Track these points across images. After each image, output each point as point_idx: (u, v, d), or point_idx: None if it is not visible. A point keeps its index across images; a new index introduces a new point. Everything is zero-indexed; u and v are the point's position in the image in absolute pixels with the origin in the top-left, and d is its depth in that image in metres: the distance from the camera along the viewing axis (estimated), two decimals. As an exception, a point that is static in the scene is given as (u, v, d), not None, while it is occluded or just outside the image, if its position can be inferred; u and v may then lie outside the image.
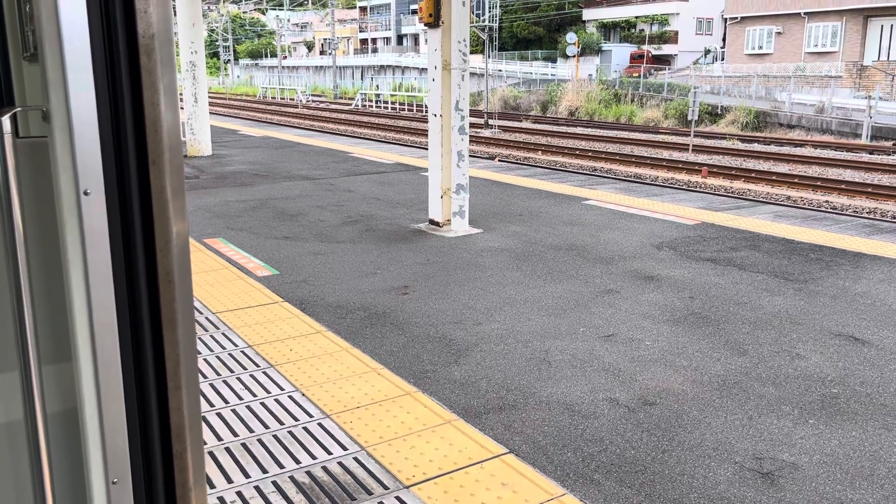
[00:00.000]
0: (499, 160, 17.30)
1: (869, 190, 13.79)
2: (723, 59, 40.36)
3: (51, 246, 1.25)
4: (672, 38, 46.10)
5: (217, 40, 71.66)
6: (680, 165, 17.01)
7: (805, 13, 35.27)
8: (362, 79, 55.17)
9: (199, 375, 3.73)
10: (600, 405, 3.47)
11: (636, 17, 48.21)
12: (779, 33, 36.85)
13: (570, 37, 39.08)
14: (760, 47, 37.79)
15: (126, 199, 1.16)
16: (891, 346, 4.19)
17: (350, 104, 41.52)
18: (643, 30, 47.68)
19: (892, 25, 32.69)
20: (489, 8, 36.36)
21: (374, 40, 71.35)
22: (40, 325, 1.25)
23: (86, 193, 1.11)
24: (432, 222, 7.25)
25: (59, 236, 1.15)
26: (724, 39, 42.37)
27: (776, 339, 4.31)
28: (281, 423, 3.26)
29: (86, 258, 1.12)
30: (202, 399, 3.47)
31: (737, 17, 38.64)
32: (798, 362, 3.97)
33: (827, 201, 13.19)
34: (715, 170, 16.20)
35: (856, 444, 3.12)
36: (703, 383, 3.71)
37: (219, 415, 3.32)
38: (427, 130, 7.30)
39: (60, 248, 1.16)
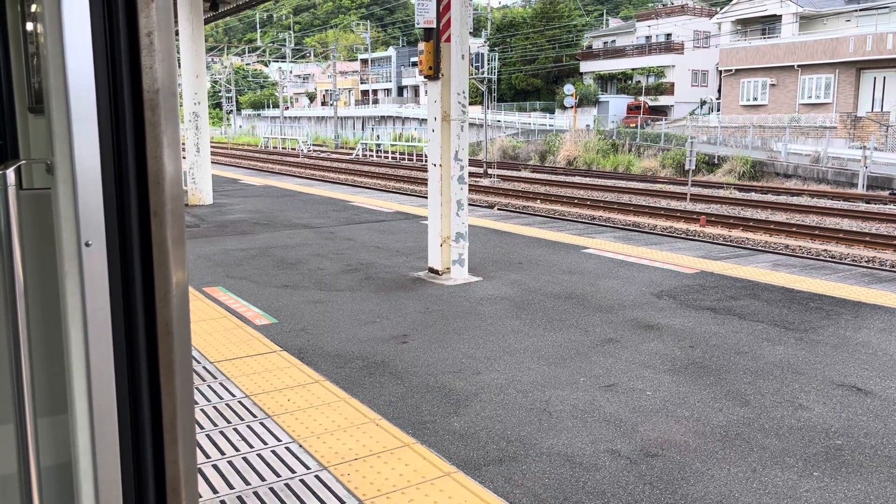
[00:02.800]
0: (498, 209, 17.41)
1: (867, 239, 13.84)
2: (718, 110, 40.99)
3: (51, 297, 1.25)
4: (668, 89, 46.90)
5: (220, 91, 72.84)
6: (678, 214, 17.11)
7: (798, 66, 35.96)
8: (363, 129, 55.90)
9: (196, 426, 3.69)
10: (602, 457, 3.42)
11: (632, 70, 49.11)
12: (773, 85, 37.51)
13: (568, 88, 39.73)
14: (755, 98, 38.42)
15: (127, 250, 1.17)
16: (894, 397, 4.15)
17: (351, 154, 41.98)
18: (639, 81, 48.52)
19: (884, 78, 33.29)
20: (488, 61, 37.08)
21: (375, 91, 72.50)
22: (37, 376, 1.25)
23: (87, 245, 1.11)
24: (432, 270, 7.25)
25: (59, 287, 1.16)
26: (719, 90, 43.09)
27: (778, 389, 4.27)
28: (278, 475, 3.21)
29: (85, 309, 1.12)
30: (199, 450, 3.42)
31: (731, 70, 39.38)
32: (801, 413, 3.93)
33: (825, 250, 13.23)
34: (713, 218, 16.29)
35: (861, 498, 3.07)
36: (706, 434, 3.67)
37: (215, 466, 3.27)
38: (427, 179, 7.36)
39: (60, 299, 1.16)
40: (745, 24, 42.52)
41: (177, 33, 13.57)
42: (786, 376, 4.47)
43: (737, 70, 39.09)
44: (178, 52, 12.99)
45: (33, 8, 1.33)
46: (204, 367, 4.57)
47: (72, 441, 1.19)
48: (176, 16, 12.81)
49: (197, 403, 4.00)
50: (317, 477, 3.18)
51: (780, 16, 39.76)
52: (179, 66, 13.04)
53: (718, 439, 3.61)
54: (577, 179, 26.94)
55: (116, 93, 1.13)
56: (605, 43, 55.14)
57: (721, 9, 46.99)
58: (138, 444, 1.21)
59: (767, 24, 41.12)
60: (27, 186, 1.38)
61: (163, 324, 1.19)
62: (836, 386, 4.32)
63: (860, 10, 36.41)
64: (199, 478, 3.16)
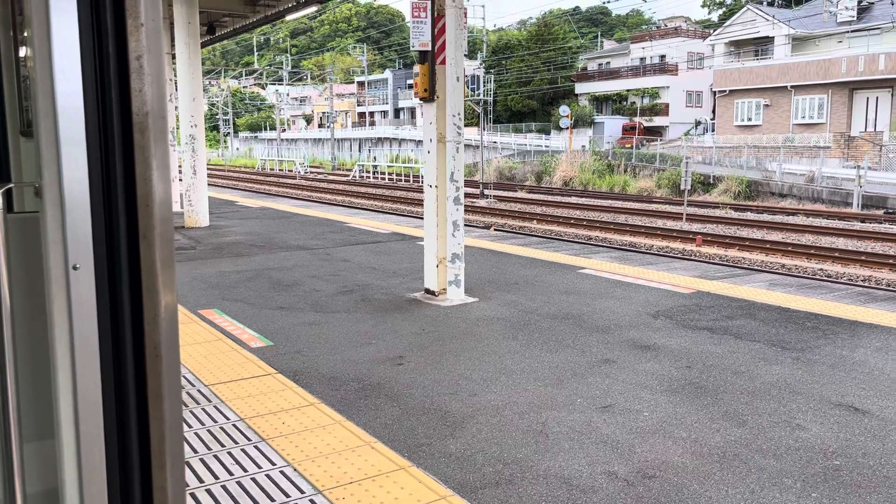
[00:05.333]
0: (494, 229, 17.43)
1: (863, 258, 13.86)
2: (713, 130, 41.23)
3: (38, 320, 1.24)
4: (663, 110, 47.19)
5: (217, 114, 73.18)
6: (674, 234, 17.14)
7: (791, 86, 36.24)
8: (360, 150, 56.13)
9: (190, 450, 3.66)
10: (599, 479, 3.40)
11: (627, 91, 49.45)
12: (767, 105, 37.77)
13: (564, 109, 40.00)
14: (749, 119, 38.67)
15: (115, 272, 1.16)
16: (891, 417, 4.13)
17: (348, 175, 42.09)
18: (634, 102, 48.85)
19: (877, 98, 33.55)
20: (484, 83, 37.33)
21: (371, 113, 72.89)
22: (23, 401, 1.23)
23: (75, 268, 1.11)
24: (428, 291, 7.24)
25: (46, 311, 1.15)
26: (713, 111, 43.38)
27: (775, 409, 4.25)
28: (272, 499, 3.17)
29: (72, 332, 1.11)
30: (192, 474, 3.39)
31: (725, 91, 39.68)
32: (799, 433, 3.91)
33: (821, 269, 13.24)
34: (709, 238, 16.31)
35: (861, 519, 3.04)
36: (703, 455, 3.64)
37: (208, 491, 3.24)
38: (423, 201, 7.38)
39: (47, 323, 1.15)
40: (739, 46, 42.93)
41: (174, 57, 13.66)
42: (783, 396, 4.45)
43: (731, 91, 39.39)
44: (175, 76, 13.06)
45: (26, 33, 1.34)
46: (198, 391, 4.54)
47: (58, 467, 1.17)
48: (173, 39, 12.90)
49: (191, 427, 3.97)
50: (311, 501, 3.15)
51: (773, 37, 40.17)
52: (176, 90, 13.10)
53: (716, 460, 3.58)
54: (573, 200, 27.02)
55: (105, 116, 1.13)
56: (599, 64, 55.57)
57: (714, 31, 47.47)
58: (126, 469, 1.19)
59: (760, 45, 41.52)
60: (17, 210, 1.37)
61: (151, 347, 1.18)
62: (834, 406, 4.30)
63: (852, 31, 36.80)
64: (193, 503, 3.13)
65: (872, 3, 36.94)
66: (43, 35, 1.06)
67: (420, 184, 32.22)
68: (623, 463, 3.56)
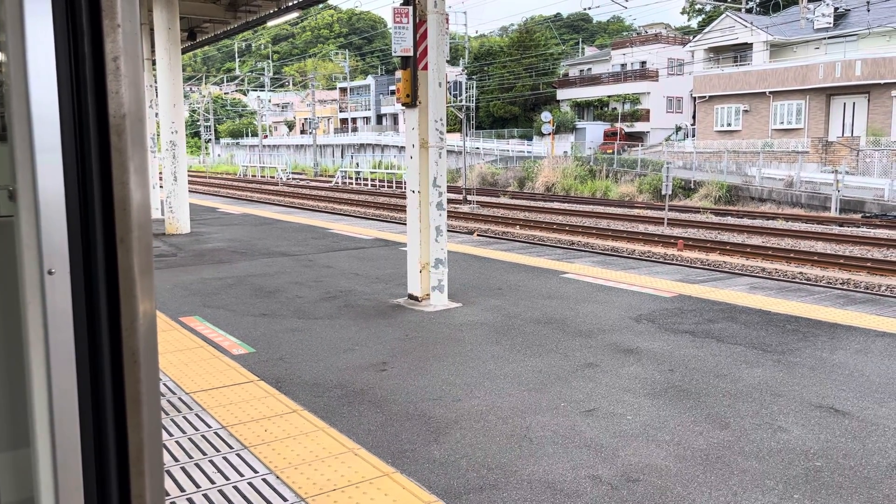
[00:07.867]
0: (477, 235, 17.44)
1: (841, 261, 14.02)
2: (693, 136, 41.59)
3: (12, 327, 1.22)
4: (644, 115, 47.56)
5: (198, 120, 72.78)
6: (656, 239, 17.24)
7: (770, 92, 36.67)
8: (342, 157, 56.02)
9: (171, 458, 3.61)
10: (583, 483, 3.39)
11: (609, 97, 49.79)
12: (746, 111, 38.18)
13: (545, 115, 40.18)
14: (729, 124, 39.07)
15: (92, 277, 1.14)
16: (871, 418, 4.17)
17: (330, 181, 41.98)
18: (616, 108, 49.18)
19: (853, 103, 34.03)
20: (466, 89, 37.43)
21: (354, 120, 72.80)
22: (-3, 409, 1.21)
23: (50, 273, 1.09)
24: (411, 297, 7.23)
25: (20, 316, 1.13)
26: (693, 117, 43.77)
27: (757, 411, 4.28)
28: (254, 507, 3.14)
29: (47, 339, 1.09)
30: (172, 483, 3.35)
31: (705, 96, 40.07)
32: (780, 435, 3.93)
33: (801, 272, 13.37)
34: (690, 243, 16.43)
35: (843, 520, 3.06)
36: (686, 458, 3.65)
37: (189, 500, 3.20)
38: (406, 206, 7.37)
39: (22, 329, 1.13)
40: (718, 52, 43.38)
41: (154, 63, 13.57)
42: (764, 398, 4.48)
43: (710, 97, 39.78)
44: (156, 81, 12.97)
45: (2, 38, 1.32)
46: (179, 398, 4.49)
47: (34, 476, 1.15)
48: (153, 45, 12.82)
49: (172, 435, 3.93)
50: (294, 509, 3.12)
51: (751, 44, 40.62)
52: (157, 95, 13.01)
53: (699, 463, 3.60)
54: (555, 205, 27.12)
55: (81, 118, 1.11)
56: (581, 71, 55.92)
57: (694, 37, 47.93)
58: (103, 478, 1.17)
59: (739, 51, 41.98)
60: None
61: (129, 353, 1.16)
62: (815, 407, 4.34)
63: (829, 38, 37.31)
64: (173, 512, 3.09)
65: (849, 10, 37.48)
66: (17, 36, 1.05)
67: (403, 189, 32.20)
68: (607, 467, 3.56)
